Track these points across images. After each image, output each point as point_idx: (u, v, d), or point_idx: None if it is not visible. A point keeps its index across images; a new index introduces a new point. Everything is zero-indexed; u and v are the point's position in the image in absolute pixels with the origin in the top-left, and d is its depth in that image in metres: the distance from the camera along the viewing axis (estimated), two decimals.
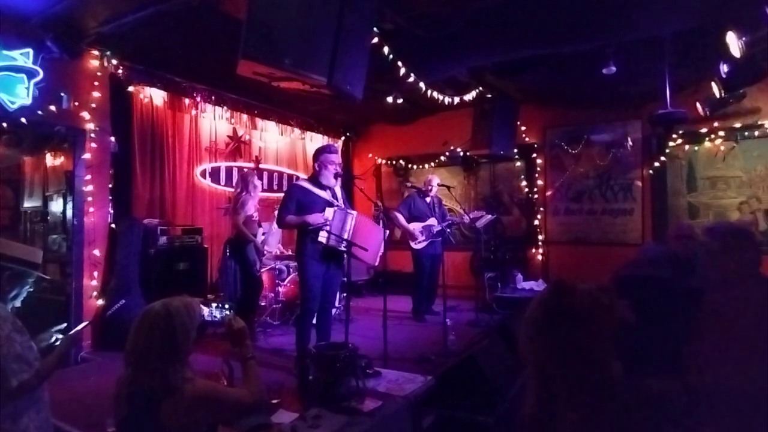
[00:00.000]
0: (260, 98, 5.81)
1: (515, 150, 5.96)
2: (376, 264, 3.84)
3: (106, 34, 3.80)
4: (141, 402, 1.51)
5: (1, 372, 1.76)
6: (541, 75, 4.85)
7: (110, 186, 4.36)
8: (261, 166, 6.02)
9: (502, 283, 5.59)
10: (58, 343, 2.17)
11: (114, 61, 4.33)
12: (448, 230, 5.24)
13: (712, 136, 5.22)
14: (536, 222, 6.27)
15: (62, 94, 3.93)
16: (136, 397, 1.53)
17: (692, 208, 5.39)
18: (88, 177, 4.16)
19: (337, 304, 4.84)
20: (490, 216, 5.40)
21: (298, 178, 6.19)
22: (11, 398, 1.80)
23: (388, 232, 3.89)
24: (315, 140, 6.94)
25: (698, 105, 4.53)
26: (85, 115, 4.13)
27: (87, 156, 4.15)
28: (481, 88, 5.44)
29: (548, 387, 1.05)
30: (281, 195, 4.24)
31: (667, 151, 5.48)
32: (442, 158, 6.88)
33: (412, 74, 4.33)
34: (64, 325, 3.87)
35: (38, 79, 3.68)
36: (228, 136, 5.81)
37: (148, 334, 1.52)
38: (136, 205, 4.66)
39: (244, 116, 5.95)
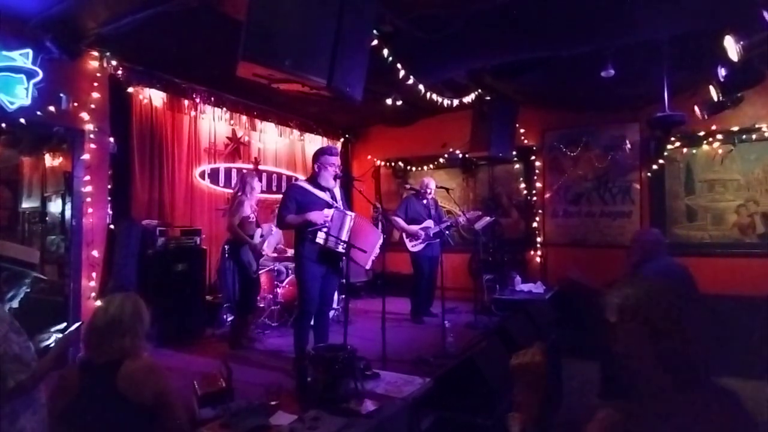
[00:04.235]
0: (259, 99, 5.81)
1: (514, 152, 5.96)
2: (368, 267, 3.81)
3: (106, 34, 3.80)
4: (100, 373, 1.68)
5: None
6: (540, 77, 4.86)
7: (109, 187, 4.35)
8: (260, 167, 6.03)
9: (501, 285, 5.59)
10: (54, 343, 2.17)
11: (113, 62, 4.33)
12: (447, 232, 5.24)
13: (710, 139, 5.24)
14: (535, 224, 6.28)
15: (61, 94, 3.92)
16: (94, 371, 1.70)
17: (690, 210, 5.41)
18: (87, 178, 4.15)
19: (335, 305, 4.84)
20: (488, 218, 5.40)
21: (297, 179, 6.19)
22: (8, 399, 1.80)
23: (385, 235, 3.89)
24: (314, 142, 6.95)
25: (696, 108, 4.55)
26: (84, 115, 4.12)
27: (86, 157, 4.15)
28: (480, 90, 5.45)
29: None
30: (280, 196, 4.24)
31: (666, 153, 5.50)
32: (441, 160, 6.89)
33: (411, 76, 4.34)
34: (63, 325, 3.87)
35: (37, 79, 3.68)
36: (227, 138, 5.81)
37: (121, 306, 1.79)
38: (135, 206, 4.65)
39: (244, 117, 5.95)
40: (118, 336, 1.72)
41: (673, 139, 5.41)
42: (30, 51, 3.64)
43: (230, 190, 5.65)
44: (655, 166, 5.55)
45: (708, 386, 1.09)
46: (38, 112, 3.77)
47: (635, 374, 1.11)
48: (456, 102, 5.54)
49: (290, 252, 5.10)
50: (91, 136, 4.18)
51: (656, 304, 1.10)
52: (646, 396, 1.08)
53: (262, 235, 4.43)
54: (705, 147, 5.30)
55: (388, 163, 7.40)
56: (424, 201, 5.16)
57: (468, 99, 5.56)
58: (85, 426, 1.65)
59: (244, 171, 5.54)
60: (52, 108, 3.87)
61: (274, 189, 6.36)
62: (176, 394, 1.80)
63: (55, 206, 5.14)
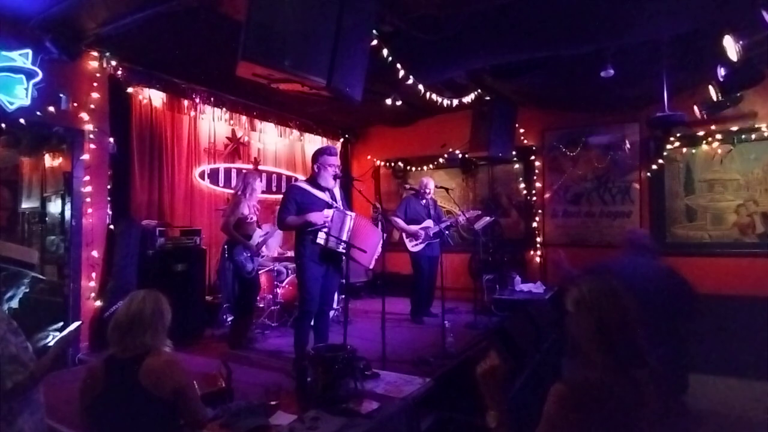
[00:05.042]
0: (259, 100, 5.81)
1: (514, 152, 5.97)
2: (371, 267, 3.81)
3: (105, 35, 3.80)
4: (124, 368, 1.73)
5: None
6: (540, 78, 4.86)
7: (108, 187, 4.35)
8: (260, 167, 6.03)
9: (501, 285, 5.58)
10: (53, 343, 2.17)
11: (113, 62, 4.33)
12: (447, 232, 5.23)
13: (710, 139, 5.24)
14: (534, 224, 6.28)
15: (61, 95, 3.92)
16: (118, 366, 1.75)
17: (690, 210, 5.41)
18: (87, 178, 4.15)
19: (335, 305, 4.84)
20: (488, 218, 5.40)
21: (296, 179, 6.19)
22: (6, 400, 1.80)
23: (385, 235, 3.89)
24: (314, 142, 6.95)
25: (696, 108, 4.55)
26: (84, 116, 4.12)
27: (85, 157, 4.15)
28: (479, 91, 5.45)
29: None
30: (280, 196, 4.22)
31: (665, 153, 5.50)
32: (441, 160, 6.89)
33: (411, 76, 4.34)
34: (61, 323, 3.86)
35: (37, 79, 3.68)
36: (227, 138, 5.80)
37: (143, 302, 1.85)
38: (135, 206, 4.65)
39: (243, 118, 5.95)
40: (139, 332, 1.79)
41: (672, 139, 5.41)
42: (29, 51, 3.64)
43: (230, 191, 5.64)
44: (654, 166, 5.55)
45: (652, 367, 1.31)
46: (38, 113, 3.77)
47: (584, 355, 1.35)
48: (456, 102, 5.53)
49: (290, 253, 5.11)
50: (91, 136, 4.18)
51: (605, 301, 1.35)
52: (591, 372, 1.30)
53: (262, 236, 4.38)
54: (704, 147, 5.30)
55: (387, 164, 7.40)
56: (423, 201, 5.16)
57: (468, 99, 5.56)
58: (110, 419, 1.74)
59: (245, 171, 5.53)
60: (51, 108, 3.87)
61: (274, 189, 6.36)
62: (195, 389, 1.85)
63: (54, 206, 5.12)
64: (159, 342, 1.83)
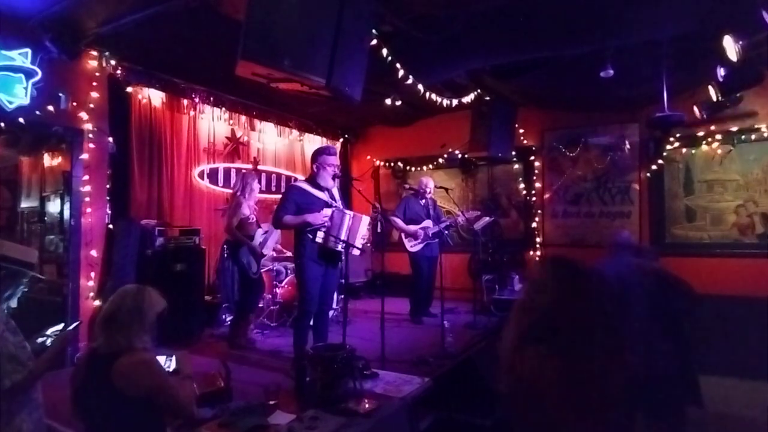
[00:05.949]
0: (259, 99, 5.81)
1: (513, 152, 5.97)
2: (360, 246, 3.68)
3: (105, 34, 3.80)
4: (101, 363, 1.72)
5: None
6: (540, 78, 4.86)
7: (108, 186, 4.35)
8: (259, 167, 6.02)
9: (500, 285, 5.59)
10: (51, 342, 2.17)
11: (112, 62, 4.32)
12: (446, 232, 5.23)
13: (709, 139, 5.24)
14: (534, 224, 6.28)
15: (60, 94, 3.92)
16: (97, 360, 1.74)
17: (689, 211, 5.41)
18: (86, 177, 4.15)
19: (334, 305, 4.84)
20: (487, 218, 5.40)
21: (296, 179, 6.19)
22: (4, 399, 1.80)
23: (383, 232, 3.87)
24: (313, 142, 6.94)
25: (695, 108, 4.55)
26: (83, 115, 4.12)
27: (85, 156, 4.14)
28: (479, 91, 5.45)
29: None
30: (279, 196, 4.22)
31: (665, 154, 5.50)
32: (441, 160, 6.89)
33: (410, 76, 4.34)
34: (61, 325, 3.85)
35: (36, 79, 3.67)
36: (226, 137, 5.80)
37: (122, 300, 1.82)
38: (134, 205, 4.64)
39: (243, 117, 5.95)
40: (115, 329, 1.76)
41: (672, 139, 5.41)
42: (29, 50, 3.63)
43: (229, 190, 5.63)
44: (654, 167, 5.54)
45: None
46: (37, 112, 3.77)
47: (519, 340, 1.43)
48: (455, 102, 5.53)
49: (288, 252, 5.10)
50: (90, 135, 4.17)
51: (564, 287, 1.39)
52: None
53: (264, 233, 4.38)
54: (704, 147, 5.30)
55: (387, 164, 7.40)
56: (423, 201, 5.15)
57: (467, 99, 5.56)
58: (87, 411, 1.75)
59: (244, 171, 5.53)
60: (51, 107, 3.86)
61: (274, 189, 6.35)
62: (174, 388, 1.80)
63: (53, 206, 5.13)
64: (135, 341, 1.76)
